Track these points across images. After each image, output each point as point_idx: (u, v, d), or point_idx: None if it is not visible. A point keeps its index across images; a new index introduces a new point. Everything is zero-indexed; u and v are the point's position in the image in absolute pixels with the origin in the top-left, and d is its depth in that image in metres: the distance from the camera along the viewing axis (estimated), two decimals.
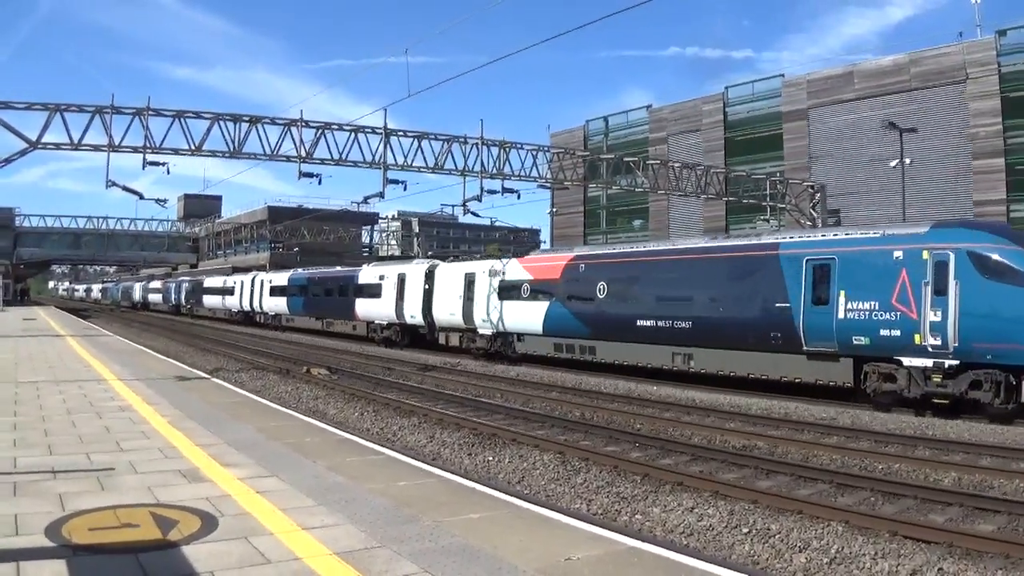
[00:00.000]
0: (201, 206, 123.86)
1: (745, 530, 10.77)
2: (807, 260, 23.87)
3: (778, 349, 24.38)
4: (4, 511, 7.56)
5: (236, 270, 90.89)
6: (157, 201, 44.69)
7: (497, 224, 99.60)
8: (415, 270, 43.81)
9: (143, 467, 9.67)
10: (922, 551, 9.74)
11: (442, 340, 41.39)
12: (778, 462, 14.80)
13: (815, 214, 51.52)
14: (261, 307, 67.61)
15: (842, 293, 22.68)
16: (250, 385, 24.74)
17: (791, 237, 25.65)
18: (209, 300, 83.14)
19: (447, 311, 39.95)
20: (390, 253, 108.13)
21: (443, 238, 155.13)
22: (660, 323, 28.01)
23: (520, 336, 35.25)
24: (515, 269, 35.80)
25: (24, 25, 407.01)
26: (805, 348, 23.62)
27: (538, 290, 33.94)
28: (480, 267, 38.33)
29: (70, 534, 6.90)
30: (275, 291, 64.49)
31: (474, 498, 8.89)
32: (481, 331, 37.53)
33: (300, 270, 64.40)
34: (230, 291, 75.40)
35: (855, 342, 22.27)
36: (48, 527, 7.08)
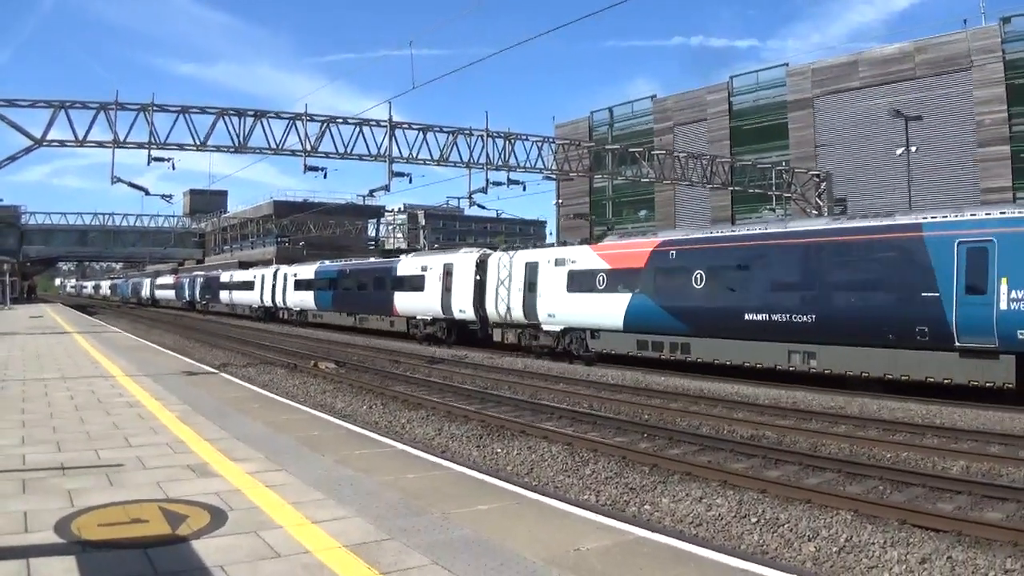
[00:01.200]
0: (207, 201, 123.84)
1: (754, 520, 10.77)
2: (959, 243, 21.26)
3: (923, 346, 21.70)
4: (13, 508, 7.57)
5: (243, 265, 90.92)
6: (163, 197, 44.55)
7: (503, 216, 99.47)
8: (464, 260, 40.11)
9: (152, 462, 9.67)
10: (931, 539, 9.73)
11: (496, 337, 37.74)
12: (786, 451, 14.78)
13: (821, 203, 51.42)
14: (284, 302, 63.82)
15: (1004, 280, 20.29)
16: (258, 380, 24.75)
17: (937, 216, 22.81)
18: (226, 295, 79.85)
19: (503, 305, 36.13)
20: (396, 246, 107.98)
21: (449, 231, 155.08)
22: (775, 317, 24.84)
23: (595, 332, 31.54)
24: (587, 257, 32.21)
25: (28, 22, 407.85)
26: (957, 344, 20.97)
27: (617, 280, 30.35)
28: (544, 256, 34.58)
29: (79, 530, 6.90)
30: (300, 285, 60.81)
31: (483, 490, 8.89)
32: (546, 327, 33.85)
33: (328, 262, 61.36)
34: (249, 285, 72.10)
35: (1021, 337, 19.86)
36: (57, 523, 7.08)
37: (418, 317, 43.68)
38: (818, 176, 52.68)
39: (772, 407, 20.17)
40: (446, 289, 40.52)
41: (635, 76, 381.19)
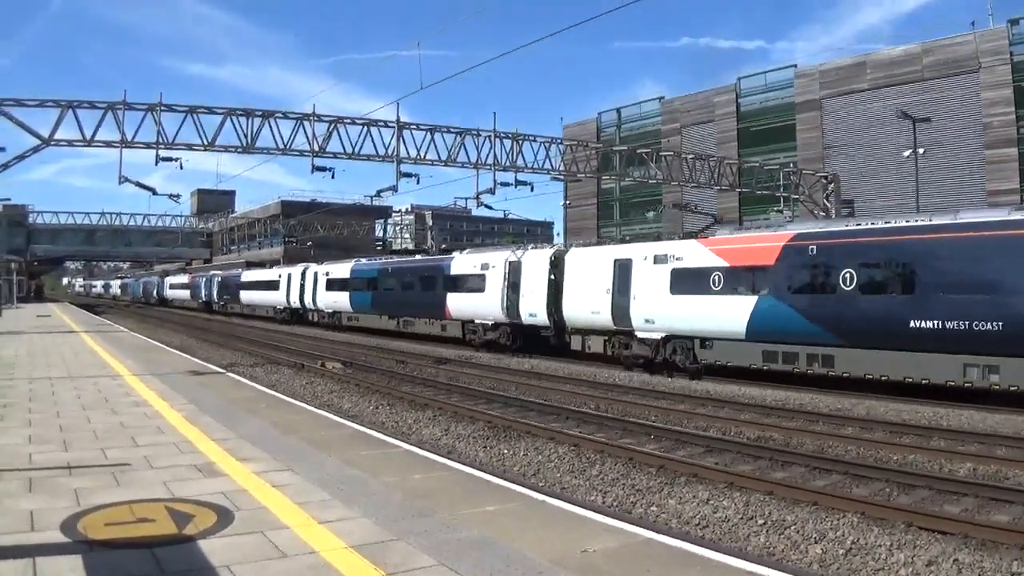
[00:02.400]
0: (214, 201, 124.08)
1: (760, 521, 10.75)
2: None
3: None
4: (20, 507, 7.59)
5: (250, 264, 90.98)
6: (170, 196, 44.63)
7: (510, 217, 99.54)
8: (535, 257, 35.71)
9: (158, 462, 9.69)
10: (938, 542, 9.71)
11: (575, 345, 32.95)
12: (793, 453, 14.76)
13: (828, 204, 51.35)
14: (315, 303, 59.01)
15: None
16: (265, 379, 24.76)
17: None
18: (248, 295, 75.14)
19: (587, 308, 31.38)
20: (404, 247, 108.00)
21: (457, 231, 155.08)
22: (949, 324, 21.10)
23: (706, 341, 27.11)
24: (696, 253, 27.69)
25: (36, 23, 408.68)
26: None
27: (738, 280, 26.24)
28: (639, 251, 30.09)
29: (86, 529, 6.91)
30: (334, 285, 56.04)
31: (489, 491, 8.89)
32: (642, 334, 29.22)
33: (365, 260, 56.65)
34: (274, 285, 67.14)
35: None
36: (64, 523, 7.10)
37: (476, 321, 38.87)
38: (826, 178, 52.60)
39: (779, 409, 20.15)
40: (512, 289, 36.02)
41: (643, 77, 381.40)
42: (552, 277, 34.07)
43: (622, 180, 55.54)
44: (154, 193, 41.27)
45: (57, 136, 32.66)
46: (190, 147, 35.12)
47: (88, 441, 11.02)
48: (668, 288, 28.25)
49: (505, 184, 41.44)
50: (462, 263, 40.81)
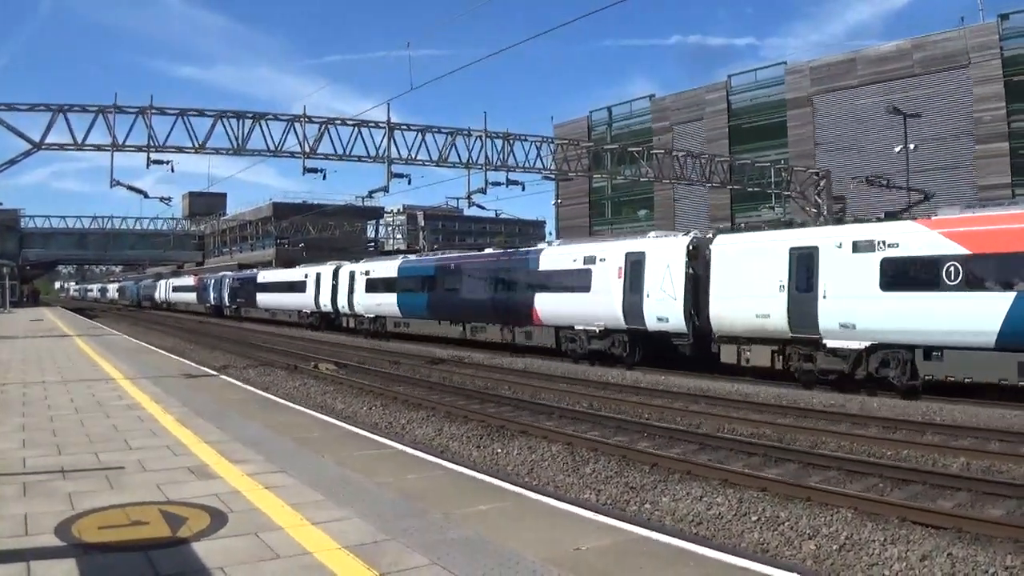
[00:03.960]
0: (206, 203, 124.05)
1: (754, 518, 10.78)
2: None
3: None
4: (14, 511, 7.59)
5: (242, 266, 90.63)
6: (161, 199, 44.55)
7: (502, 216, 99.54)
8: (664, 247, 29.16)
9: (152, 465, 9.68)
10: (931, 536, 9.73)
11: (726, 357, 26.43)
12: (786, 449, 14.78)
13: (820, 201, 51.40)
14: (351, 307, 51.54)
15: None
16: (258, 381, 24.74)
17: None
18: (267, 298, 67.86)
19: (747, 310, 25.33)
20: (396, 247, 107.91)
21: (449, 231, 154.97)
22: None
23: (932, 352, 21.54)
24: (919, 239, 22.06)
25: (25, 26, 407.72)
26: None
27: (985, 272, 20.91)
28: (827, 237, 24.17)
29: (80, 533, 6.91)
30: (376, 285, 48.67)
31: (483, 490, 8.91)
32: (835, 343, 23.28)
33: (413, 256, 51.36)
34: (299, 287, 59.90)
35: None
36: (58, 526, 7.10)
37: (577, 327, 32.11)
38: (817, 174, 52.64)
39: (772, 405, 20.16)
40: (631, 288, 29.59)
41: (633, 75, 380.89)
42: (690, 271, 27.81)
43: (613, 179, 55.54)
44: (146, 196, 41.14)
45: (48, 140, 32.58)
46: (181, 150, 35.08)
47: (82, 445, 11.01)
48: (877, 283, 22.64)
49: (496, 184, 41.41)
50: (556, 257, 34.30)
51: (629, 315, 29.55)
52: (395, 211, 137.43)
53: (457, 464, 10.73)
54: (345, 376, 27.39)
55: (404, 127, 39.46)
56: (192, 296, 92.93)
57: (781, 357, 24.99)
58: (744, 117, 63.04)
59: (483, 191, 41.30)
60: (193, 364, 25.21)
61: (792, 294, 24.19)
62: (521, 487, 9.48)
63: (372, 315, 49.59)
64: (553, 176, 51.61)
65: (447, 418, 19.17)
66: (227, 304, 79.40)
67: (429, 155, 39.67)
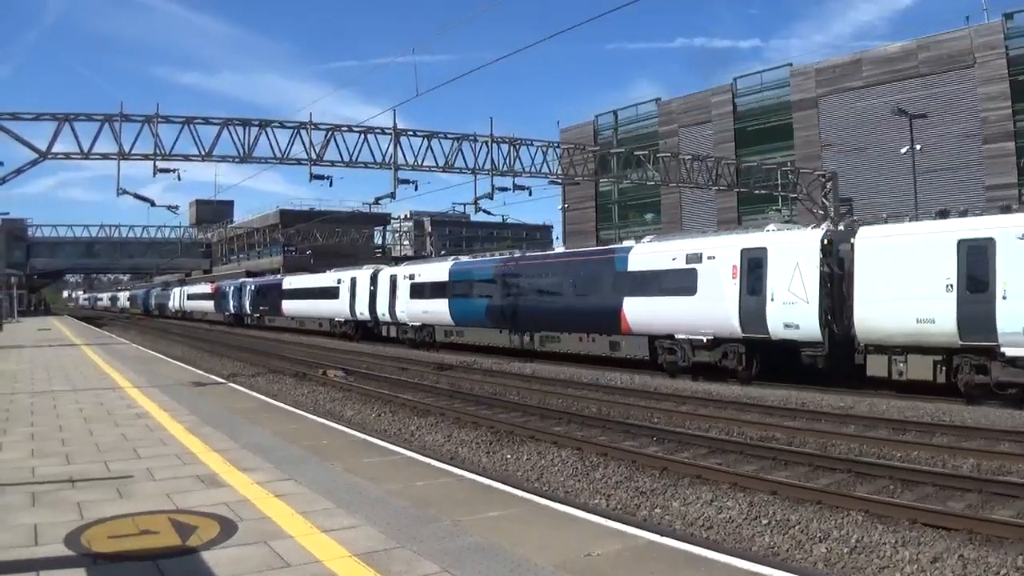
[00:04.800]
0: (213, 211, 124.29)
1: (765, 521, 10.76)
2: None
3: None
4: (23, 521, 7.58)
5: (250, 274, 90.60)
6: (168, 208, 44.79)
7: (509, 222, 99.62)
8: (792, 243, 25.45)
9: (161, 474, 9.68)
10: (942, 538, 9.72)
11: (874, 369, 22.84)
12: (796, 452, 14.77)
13: (827, 203, 51.35)
14: (392, 314, 47.18)
15: None
16: (266, 389, 24.78)
17: None
18: (293, 306, 63.89)
19: (904, 314, 21.77)
20: (403, 253, 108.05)
21: (456, 237, 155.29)
22: None
23: None
24: None
25: (30, 35, 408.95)
26: None
27: None
28: (1003, 225, 20.61)
29: (89, 543, 6.90)
30: (423, 290, 44.36)
31: (493, 496, 8.89)
32: (1015, 351, 19.76)
33: (465, 257, 46.05)
34: (332, 292, 55.42)
35: None
36: (67, 536, 7.09)
37: (679, 337, 28.08)
38: (824, 176, 52.59)
39: (781, 408, 20.14)
40: (750, 290, 25.73)
41: (638, 78, 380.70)
42: (825, 269, 24.43)
43: (620, 183, 55.53)
44: (152, 204, 41.34)
45: (55, 149, 32.65)
46: (187, 158, 35.13)
47: (90, 454, 11.01)
48: None
49: (503, 189, 41.40)
50: (649, 255, 29.96)
51: (747, 321, 25.59)
52: (402, 217, 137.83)
53: (466, 470, 10.72)
54: (353, 383, 27.39)
55: (410, 133, 39.47)
56: (209, 304, 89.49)
57: (945, 369, 21.47)
58: (750, 120, 63.01)
59: (490, 196, 41.27)
60: (201, 372, 25.22)
61: (962, 294, 20.77)
62: (531, 493, 9.45)
63: (418, 323, 45.06)
64: (560, 181, 51.61)
65: (456, 424, 19.19)
66: (248, 312, 75.98)
67: (435, 161, 39.68)
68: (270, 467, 10.09)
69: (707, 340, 26.97)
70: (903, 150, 46.51)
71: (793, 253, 24.78)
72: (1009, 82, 47.76)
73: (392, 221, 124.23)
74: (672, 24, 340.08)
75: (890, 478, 12.69)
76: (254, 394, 19.46)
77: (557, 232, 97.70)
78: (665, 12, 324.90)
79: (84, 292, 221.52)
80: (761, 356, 25.92)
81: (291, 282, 65.55)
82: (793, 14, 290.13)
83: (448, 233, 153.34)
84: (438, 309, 42.49)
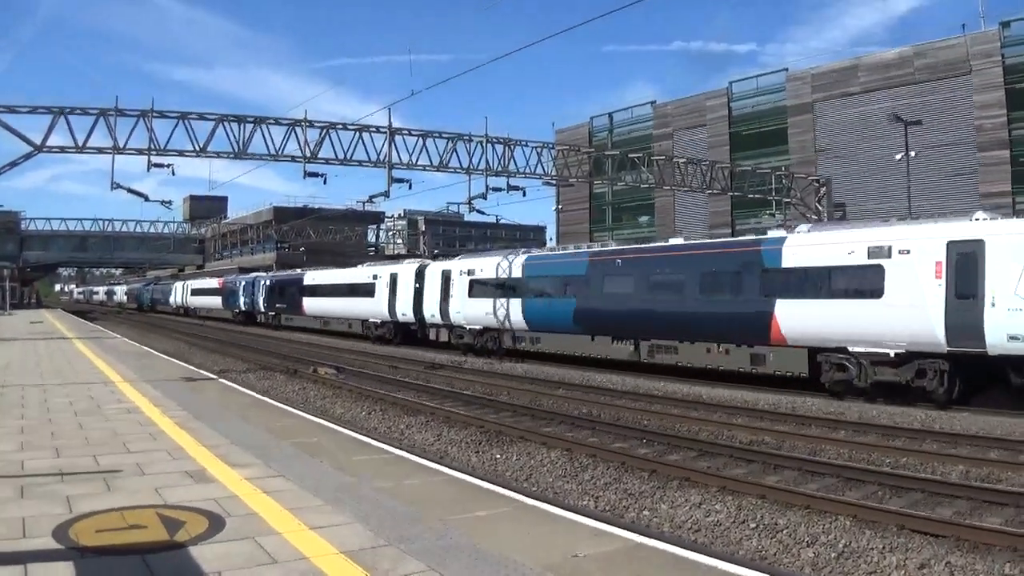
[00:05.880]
0: (206, 207, 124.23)
1: (753, 525, 10.77)
2: None
3: None
4: (11, 514, 7.57)
5: (243, 270, 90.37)
6: (162, 203, 45.09)
7: (502, 222, 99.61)
8: (1015, 233, 20.49)
9: (150, 468, 9.67)
10: (930, 544, 9.74)
11: None
12: (785, 457, 14.77)
13: (821, 208, 51.45)
14: (444, 315, 40.74)
15: None
16: (257, 385, 24.73)
17: None
18: (317, 304, 57.53)
19: None
20: (396, 252, 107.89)
21: (449, 236, 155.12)
22: None
23: None
24: None
25: (25, 29, 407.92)
26: None
27: None
28: None
29: (77, 536, 6.90)
30: (486, 288, 37.72)
31: (481, 496, 8.90)
32: None
33: (540, 250, 41.51)
34: (366, 290, 48.75)
35: None
36: (55, 529, 7.09)
37: (854, 349, 22.61)
38: (818, 181, 52.70)
39: (771, 412, 20.14)
40: (960, 293, 20.60)
41: (635, 81, 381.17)
42: None
43: (614, 185, 55.57)
44: (146, 199, 41.39)
45: (49, 143, 32.69)
46: (182, 153, 35.17)
47: (80, 448, 10.99)
48: None
49: (497, 189, 41.46)
50: (811, 248, 24.39)
51: (955, 333, 20.46)
52: (396, 216, 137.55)
53: (456, 470, 10.72)
54: (344, 380, 27.36)
55: (405, 132, 39.54)
56: (216, 300, 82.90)
57: None
58: (745, 124, 62.98)
59: (484, 196, 41.31)
60: (192, 368, 25.21)
61: None
62: (520, 493, 9.45)
63: (478, 327, 38.42)
64: (554, 182, 51.64)
65: (446, 423, 19.18)
66: (263, 310, 68.66)
67: (430, 160, 39.75)
68: (259, 463, 10.08)
69: (896, 354, 21.78)
70: (898, 156, 46.60)
71: (1021, 247, 20.10)
72: (1005, 90, 47.80)
73: (386, 220, 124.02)
74: (669, 27, 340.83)
75: (879, 484, 12.71)
76: (245, 390, 19.43)
77: (551, 233, 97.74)
78: (663, 15, 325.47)
79: (77, 286, 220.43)
80: (968, 374, 21.20)
81: (314, 277, 59.07)
82: (790, 19, 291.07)
83: (441, 232, 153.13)
84: (507, 310, 35.96)
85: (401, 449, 12.18)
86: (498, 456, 15.67)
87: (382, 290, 46.70)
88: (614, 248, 33.67)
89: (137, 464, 9.89)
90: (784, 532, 10.44)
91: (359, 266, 54.06)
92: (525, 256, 36.70)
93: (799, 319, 23.83)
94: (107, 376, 21.11)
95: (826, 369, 23.38)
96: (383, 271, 47.71)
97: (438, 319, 41.38)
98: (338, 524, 7.45)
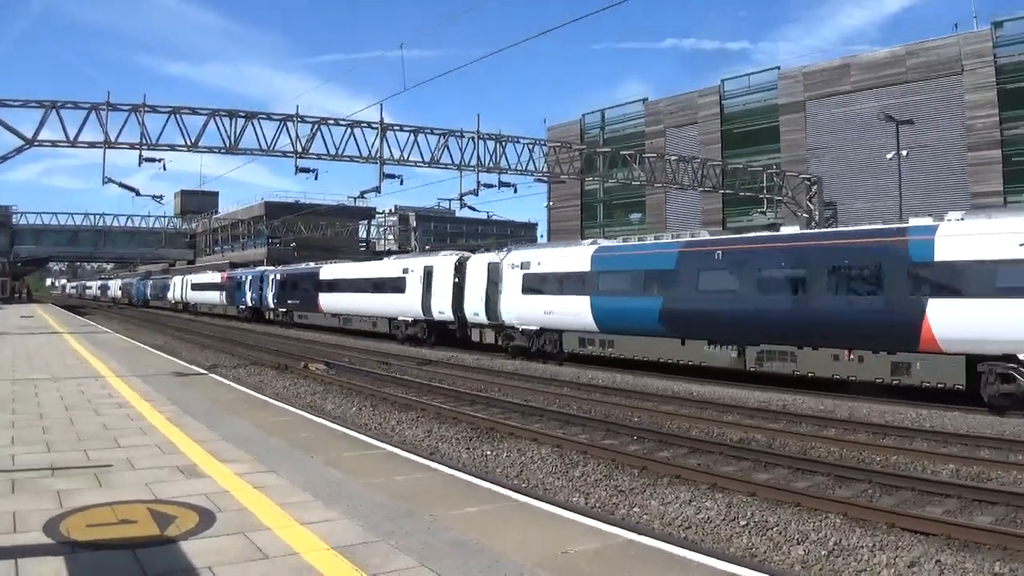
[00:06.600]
0: (198, 202, 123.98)
1: (743, 523, 10.78)
2: None
3: None
4: (2, 508, 7.56)
5: (234, 265, 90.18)
6: (153, 197, 44.58)
7: (494, 218, 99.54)
8: None
9: (141, 463, 9.66)
10: (920, 543, 9.75)
11: None
12: (776, 455, 14.79)
13: (812, 206, 51.52)
14: (491, 314, 36.04)
15: None
16: (248, 381, 24.67)
17: None
18: (336, 300, 52.33)
19: None
20: (387, 248, 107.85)
21: (440, 232, 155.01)
22: None
23: None
24: None
25: (18, 23, 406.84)
26: None
27: None
28: None
29: (68, 531, 6.89)
30: (544, 284, 33.35)
31: (472, 492, 8.91)
32: None
33: (609, 242, 35.35)
34: (394, 285, 43.97)
35: None
36: (46, 524, 7.09)
37: None
38: (809, 179, 52.76)
39: (762, 410, 20.15)
40: None
41: (627, 78, 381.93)
42: None
43: (605, 182, 55.56)
44: (137, 194, 41.20)
45: (41, 137, 32.64)
46: (173, 148, 35.20)
47: (71, 442, 10.98)
48: None
49: (488, 185, 41.54)
50: (972, 239, 20.25)
51: None
52: (387, 212, 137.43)
53: (446, 466, 10.71)
54: (335, 376, 27.33)
55: (396, 128, 39.54)
56: (218, 296, 78.21)
57: None
58: (737, 121, 62.96)
59: (475, 193, 41.32)
60: (183, 363, 25.14)
61: None
62: (510, 489, 9.45)
63: (534, 327, 33.87)
64: (545, 178, 51.64)
65: (437, 419, 19.15)
66: (271, 306, 64.36)
67: (421, 156, 39.79)
68: (250, 459, 10.08)
69: None
70: (889, 155, 46.64)
71: None
72: (996, 90, 47.84)
73: (377, 215, 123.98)
74: (662, 24, 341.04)
75: (869, 482, 12.73)
76: (235, 386, 19.37)
77: (542, 230, 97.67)
78: (655, 13, 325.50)
79: (69, 280, 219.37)
80: None
81: (332, 271, 54.15)
82: (782, 18, 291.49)
83: (432, 228, 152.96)
84: (572, 309, 31.34)
85: (392, 445, 12.16)
86: (489, 453, 15.65)
87: (414, 285, 42.05)
88: (711, 238, 29.09)
89: (128, 459, 9.88)
90: (774, 530, 10.45)
91: (386, 259, 50.32)
92: (595, 247, 32.11)
93: (960, 323, 20.13)
94: (98, 371, 21.06)
95: (989, 380, 19.87)
96: (415, 264, 42.85)
97: (483, 318, 36.83)
98: (329, 519, 7.46)
